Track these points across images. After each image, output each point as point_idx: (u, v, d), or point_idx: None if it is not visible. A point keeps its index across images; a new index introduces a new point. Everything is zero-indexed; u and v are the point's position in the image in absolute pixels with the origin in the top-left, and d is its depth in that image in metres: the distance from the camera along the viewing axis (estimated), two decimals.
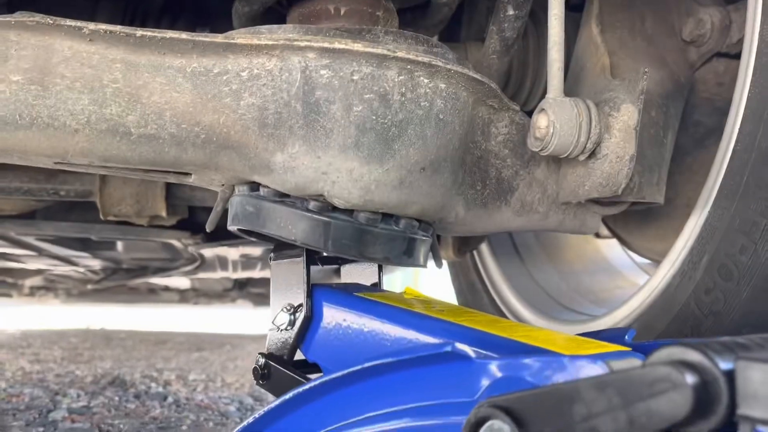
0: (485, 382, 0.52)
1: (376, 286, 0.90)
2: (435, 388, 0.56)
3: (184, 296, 3.72)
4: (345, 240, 0.77)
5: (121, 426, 1.41)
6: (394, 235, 0.79)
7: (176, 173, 0.84)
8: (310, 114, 0.73)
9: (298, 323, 0.82)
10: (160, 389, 1.92)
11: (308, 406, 0.67)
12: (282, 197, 0.78)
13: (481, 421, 0.42)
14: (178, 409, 1.66)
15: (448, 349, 0.54)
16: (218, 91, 0.75)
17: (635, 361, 0.44)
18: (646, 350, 0.67)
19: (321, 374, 0.77)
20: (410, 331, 0.67)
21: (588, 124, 0.81)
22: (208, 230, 0.88)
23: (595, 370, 0.46)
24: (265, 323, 0.88)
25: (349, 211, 0.78)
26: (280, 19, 0.92)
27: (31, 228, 1.43)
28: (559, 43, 0.81)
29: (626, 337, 0.70)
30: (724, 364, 0.39)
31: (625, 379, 0.41)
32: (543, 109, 0.82)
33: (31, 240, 1.64)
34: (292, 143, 0.74)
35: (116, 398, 1.72)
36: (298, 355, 0.86)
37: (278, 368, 0.82)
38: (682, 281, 0.84)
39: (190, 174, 0.83)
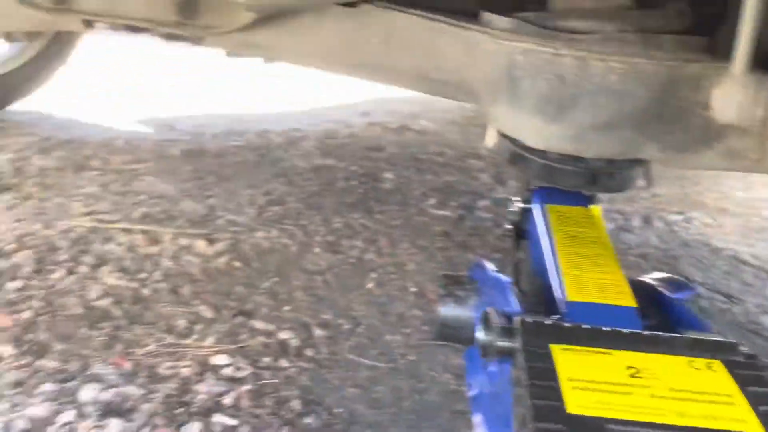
0: None
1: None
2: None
3: None
4: (540, 172, 1.10)
5: None
6: (577, 171, 1.07)
7: None
8: (511, 84, 1.05)
9: None
10: None
11: None
12: None
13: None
14: None
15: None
16: None
17: None
18: None
19: None
20: None
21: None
22: None
23: None
24: None
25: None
26: None
27: None
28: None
29: None
30: None
31: None
32: (724, 83, 0.91)
33: None
34: (501, 103, 1.08)
35: None
36: None
37: None
38: None
39: None
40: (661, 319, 0.87)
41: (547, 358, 0.67)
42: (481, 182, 2.37)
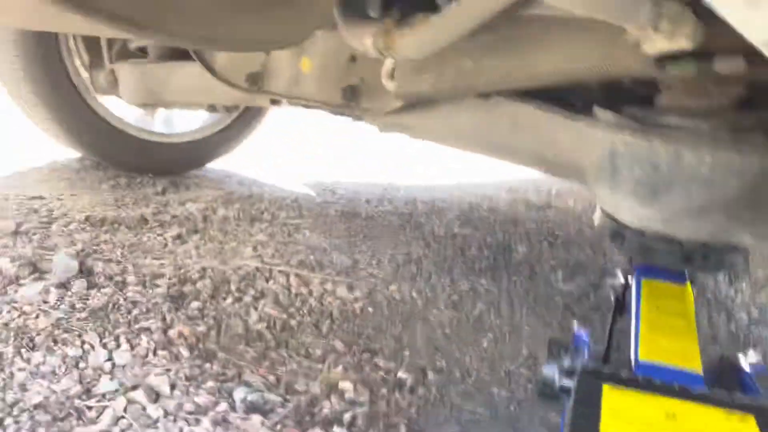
0: None
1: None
2: None
3: None
4: (637, 249, 1.22)
5: None
6: (670, 251, 1.18)
7: None
8: (612, 169, 1.20)
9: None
10: None
11: None
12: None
13: None
14: None
15: None
16: None
17: None
18: None
19: None
20: None
21: None
22: None
23: None
24: None
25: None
26: None
27: None
28: None
29: None
30: None
31: None
32: None
33: None
34: (603, 185, 1.22)
35: None
36: None
37: None
38: None
39: None
40: (733, 387, 0.95)
41: (596, 392, 0.81)
42: (614, 263, 2.43)
